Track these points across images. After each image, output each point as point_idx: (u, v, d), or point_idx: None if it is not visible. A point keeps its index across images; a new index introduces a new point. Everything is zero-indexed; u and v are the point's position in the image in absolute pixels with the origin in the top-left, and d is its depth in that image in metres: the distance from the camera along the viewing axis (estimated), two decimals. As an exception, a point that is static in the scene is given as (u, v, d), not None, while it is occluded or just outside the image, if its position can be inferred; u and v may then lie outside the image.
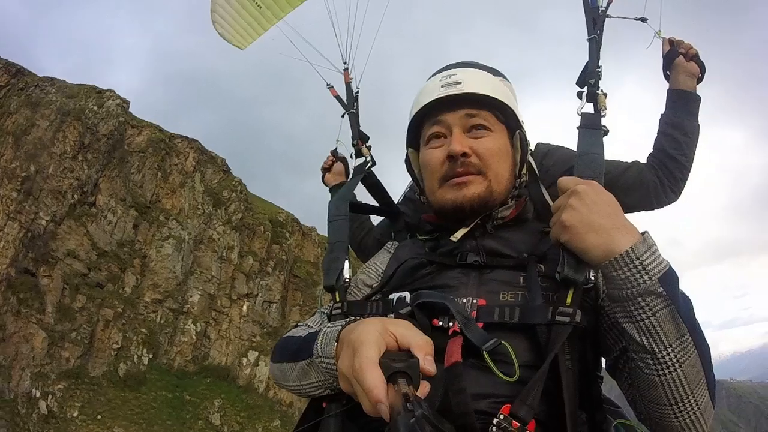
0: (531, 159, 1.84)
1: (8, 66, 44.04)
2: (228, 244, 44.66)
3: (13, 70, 43.78)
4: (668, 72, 2.39)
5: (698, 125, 2.33)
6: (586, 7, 2.10)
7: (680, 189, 2.34)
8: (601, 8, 2.08)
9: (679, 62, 2.32)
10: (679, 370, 1.23)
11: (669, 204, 2.37)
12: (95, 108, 42.00)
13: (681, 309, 1.23)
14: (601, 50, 2.01)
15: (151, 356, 38.08)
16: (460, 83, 1.67)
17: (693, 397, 1.26)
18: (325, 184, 3.04)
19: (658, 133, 2.37)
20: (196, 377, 39.35)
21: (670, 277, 1.24)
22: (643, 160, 2.40)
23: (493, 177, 1.64)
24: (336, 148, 3.03)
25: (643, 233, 1.28)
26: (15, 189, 36.78)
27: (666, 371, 1.24)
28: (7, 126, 40.45)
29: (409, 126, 1.84)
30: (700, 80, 2.36)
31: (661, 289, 1.21)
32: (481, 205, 1.62)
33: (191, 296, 41.50)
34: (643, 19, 2.41)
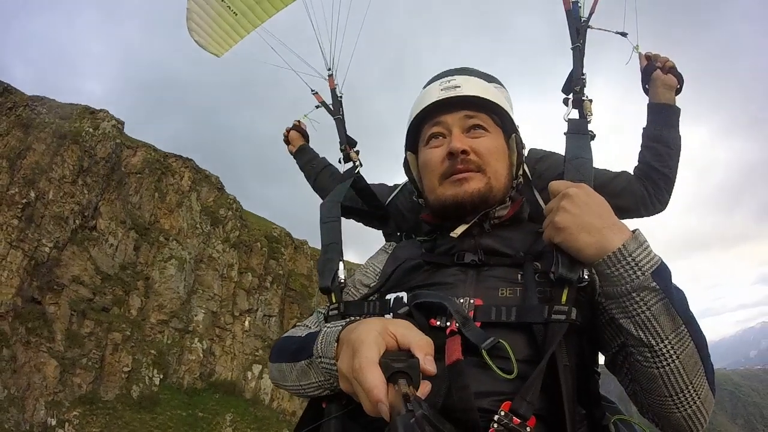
0: (524, 163, 1.90)
1: (-5, 84, 42.51)
2: (228, 262, 44.93)
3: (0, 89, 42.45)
4: (647, 86, 2.42)
5: (679, 136, 2.36)
6: (569, 18, 2.19)
7: (666, 199, 2.36)
8: (583, 19, 2.19)
9: (657, 76, 2.34)
10: (677, 361, 1.26)
11: (656, 213, 2.40)
12: (91, 130, 41.30)
13: (675, 302, 1.25)
14: (584, 58, 2.10)
15: (161, 376, 38.18)
16: (459, 87, 1.72)
17: (692, 387, 1.29)
18: (291, 154, 3.20)
19: (641, 147, 2.40)
20: (205, 393, 39.62)
21: (662, 272, 1.26)
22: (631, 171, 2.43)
23: (492, 174, 1.67)
24: (301, 121, 3.19)
25: (634, 231, 1.32)
26: (15, 216, 35.90)
27: (664, 363, 1.26)
28: (-1, 148, 39.26)
29: (408, 129, 1.87)
30: (678, 91, 2.38)
31: (654, 283, 1.24)
32: (482, 200, 1.65)
33: (195, 315, 41.63)
34: (624, 34, 2.46)
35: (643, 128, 2.40)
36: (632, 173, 2.38)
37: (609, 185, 2.27)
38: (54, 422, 32.39)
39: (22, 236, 35.64)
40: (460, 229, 1.69)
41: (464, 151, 1.64)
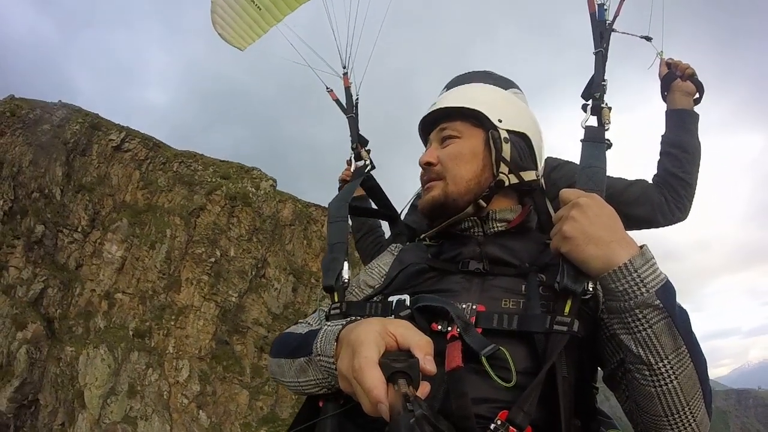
0: (540, 172, 1.81)
1: (145, 140, 47.68)
2: (363, 297, 51.09)
3: (150, 143, 47.55)
4: (666, 94, 2.39)
5: (698, 142, 2.31)
6: (593, 21, 2.09)
7: (686, 207, 2.30)
8: (607, 22, 2.08)
9: (676, 83, 2.33)
10: (675, 382, 1.23)
11: (676, 222, 2.32)
12: (253, 190, 46.83)
13: (678, 321, 1.22)
14: (606, 63, 1.99)
15: (323, 397, 44.74)
16: (435, 103, 1.80)
17: (689, 408, 1.26)
18: None
19: (659, 154, 2.35)
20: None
21: (667, 290, 1.24)
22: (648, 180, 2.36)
23: (450, 180, 1.67)
24: (351, 158, 2.89)
25: (641, 246, 1.28)
26: (206, 273, 42.20)
27: (662, 382, 1.24)
28: (162, 203, 44.85)
29: None
30: (698, 101, 2.36)
31: (658, 301, 1.21)
32: (437, 206, 1.68)
33: (342, 345, 47.97)
34: (648, 38, 2.41)
35: (662, 135, 2.37)
36: (650, 181, 2.33)
37: (624, 193, 2.25)
38: (247, 441, 39.01)
39: (214, 290, 42.06)
40: (429, 234, 1.78)
41: (428, 163, 1.71)
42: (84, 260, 43.25)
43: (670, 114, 2.37)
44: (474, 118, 1.71)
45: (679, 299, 1.29)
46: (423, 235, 1.82)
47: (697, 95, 2.36)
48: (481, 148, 1.70)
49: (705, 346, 1.40)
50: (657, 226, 2.32)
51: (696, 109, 2.38)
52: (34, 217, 41.83)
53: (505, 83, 2.33)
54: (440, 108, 1.77)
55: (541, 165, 1.80)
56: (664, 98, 2.41)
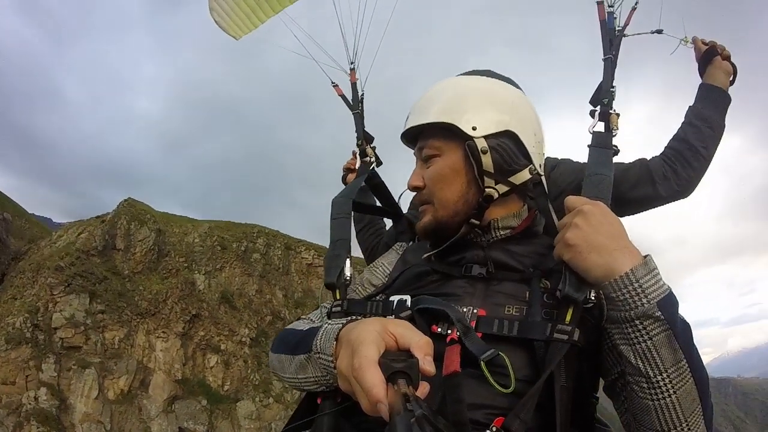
0: (535, 164, 1.62)
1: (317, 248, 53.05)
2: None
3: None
4: (704, 69, 2.24)
5: (724, 125, 2.19)
6: (603, 28, 2.07)
7: (693, 181, 2.17)
8: (617, 29, 2.07)
9: (718, 59, 2.21)
10: (673, 396, 1.19)
11: (680, 196, 2.19)
12: None
13: (679, 335, 1.18)
14: (615, 70, 1.96)
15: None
16: (408, 118, 1.67)
17: (687, 425, 1.22)
18: (346, 185, 2.87)
19: (683, 124, 2.22)
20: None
21: (669, 302, 1.19)
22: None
23: (438, 204, 1.58)
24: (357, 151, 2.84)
25: (645, 256, 1.24)
26: None
27: (660, 396, 1.20)
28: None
29: None
30: (732, 83, 2.24)
31: (659, 313, 1.17)
32: (431, 232, 1.61)
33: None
34: (659, 31, 2.33)
35: (690, 107, 2.23)
36: (662, 151, 2.22)
37: (622, 177, 2.12)
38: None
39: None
40: (431, 253, 1.66)
41: (415, 187, 1.63)
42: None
43: (705, 88, 2.21)
44: (447, 129, 1.55)
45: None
46: (425, 255, 1.68)
47: (732, 77, 2.23)
48: (461, 163, 1.56)
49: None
50: (659, 203, 2.21)
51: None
52: (277, 340, 49.02)
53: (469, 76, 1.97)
54: (409, 128, 1.65)
55: (539, 156, 1.63)
56: (701, 73, 2.24)
